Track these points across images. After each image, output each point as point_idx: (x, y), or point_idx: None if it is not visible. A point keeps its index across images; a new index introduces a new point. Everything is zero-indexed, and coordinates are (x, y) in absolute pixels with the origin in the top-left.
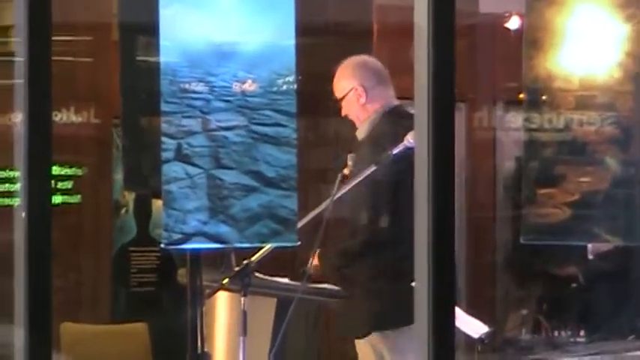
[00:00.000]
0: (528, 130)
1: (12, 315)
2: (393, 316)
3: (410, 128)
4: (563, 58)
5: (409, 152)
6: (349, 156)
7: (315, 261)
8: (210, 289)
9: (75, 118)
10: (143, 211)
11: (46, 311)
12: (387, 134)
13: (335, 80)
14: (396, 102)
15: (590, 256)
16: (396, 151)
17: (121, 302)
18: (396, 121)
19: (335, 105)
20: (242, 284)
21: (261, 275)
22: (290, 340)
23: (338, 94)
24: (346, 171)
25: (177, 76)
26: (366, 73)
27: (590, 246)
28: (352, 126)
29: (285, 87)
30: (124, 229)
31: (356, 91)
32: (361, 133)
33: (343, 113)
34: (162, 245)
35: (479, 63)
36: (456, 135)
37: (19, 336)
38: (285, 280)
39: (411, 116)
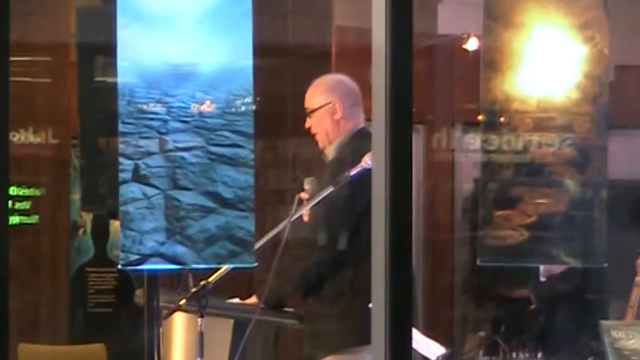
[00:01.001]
0: (486, 151)
1: None
2: (354, 335)
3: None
4: (521, 79)
5: (367, 173)
6: (306, 180)
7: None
8: (167, 309)
9: (33, 139)
10: (101, 232)
11: (2, 332)
12: (355, 156)
13: (311, 91)
14: (364, 123)
15: (542, 278)
16: (353, 172)
17: (78, 323)
18: (364, 143)
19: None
20: (199, 305)
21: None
22: None
23: (310, 105)
24: (304, 195)
25: (135, 97)
26: (346, 91)
27: (542, 268)
28: (312, 145)
29: (242, 108)
30: (82, 249)
31: (332, 106)
32: (330, 154)
33: (312, 128)
34: (119, 266)
35: (437, 84)
36: (415, 156)
37: None
38: (242, 302)
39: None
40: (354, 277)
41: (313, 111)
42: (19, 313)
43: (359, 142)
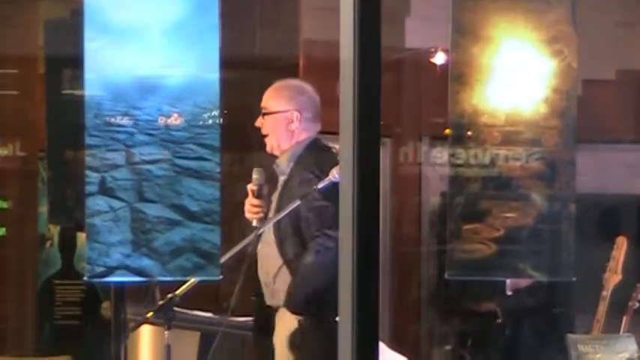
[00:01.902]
0: (454, 165)
1: None
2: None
3: (331, 162)
4: (489, 93)
5: (334, 187)
6: (255, 170)
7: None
8: (134, 322)
9: (0, 151)
10: (68, 245)
11: None
12: (313, 168)
13: (271, 93)
14: (318, 135)
15: (509, 292)
16: (321, 185)
17: (45, 335)
18: (319, 155)
19: (260, 139)
20: (166, 318)
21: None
22: None
23: (267, 107)
24: (251, 186)
25: (102, 110)
26: (307, 103)
27: (508, 282)
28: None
29: (209, 121)
30: (49, 262)
31: (290, 115)
32: (283, 164)
33: (263, 129)
34: (85, 278)
35: (404, 98)
36: (382, 170)
37: None
38: (209, 314)
39: (329, 149)
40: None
41: (269, 114)
42: None
43: (314, 154)
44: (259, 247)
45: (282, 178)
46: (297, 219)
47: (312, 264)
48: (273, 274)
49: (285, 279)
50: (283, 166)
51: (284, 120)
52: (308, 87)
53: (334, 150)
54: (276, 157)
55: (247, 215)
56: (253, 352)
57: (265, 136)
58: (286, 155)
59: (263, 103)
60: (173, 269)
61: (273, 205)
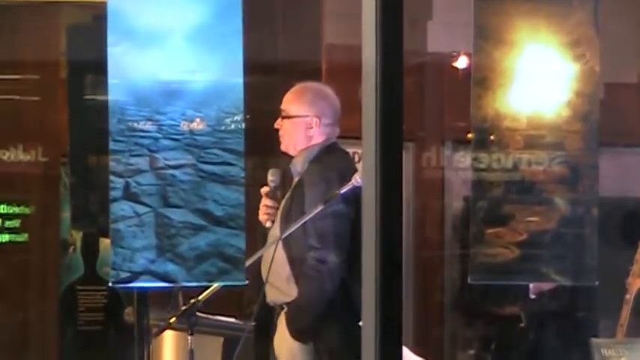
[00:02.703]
0: (477, 169)
1: None
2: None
3: (346, 165)
4: (511, 97)
5: (357, 191)
6: (270, 171)
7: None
8: (157, 327)
9: (23, 157)
10: (90, 250)
11: None
12: (328, 172)
13: (292, 96)
14: (335, 139)
15: (532, 296)
16: (343, 190)
17: (68, 341)
18: (333, 159)
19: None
20: (189, 323)
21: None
22: None
23: (287, 110)
24: (265, 188)
25: (126, 115)
26: (327, 109)
27: (531, 285)
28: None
29: (233, 125)
30: (72, 267)
31: (309, 120)
32: (298, 165)
33: (281, 130)
34: (110, 284)
35: (427, 102)
36: (405, 174)
37: None
38: (232, 320)
39: (345, 153)
40: (345, 295)
41: (288, 117)
42: (9, 331)
43: (328, 158)
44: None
45: (295, 179)
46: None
47: (307, 293)
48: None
49: (282, 278)
50: (298, 166)
51: (303, 124)
52: (329, 91)
53: (350, 154)
54: (291, 157)
55: (260, 217)
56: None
57: (281, 137)
58: (302, 155)
59: (283, 106)
60: (198, 274)
61: (282, 205)
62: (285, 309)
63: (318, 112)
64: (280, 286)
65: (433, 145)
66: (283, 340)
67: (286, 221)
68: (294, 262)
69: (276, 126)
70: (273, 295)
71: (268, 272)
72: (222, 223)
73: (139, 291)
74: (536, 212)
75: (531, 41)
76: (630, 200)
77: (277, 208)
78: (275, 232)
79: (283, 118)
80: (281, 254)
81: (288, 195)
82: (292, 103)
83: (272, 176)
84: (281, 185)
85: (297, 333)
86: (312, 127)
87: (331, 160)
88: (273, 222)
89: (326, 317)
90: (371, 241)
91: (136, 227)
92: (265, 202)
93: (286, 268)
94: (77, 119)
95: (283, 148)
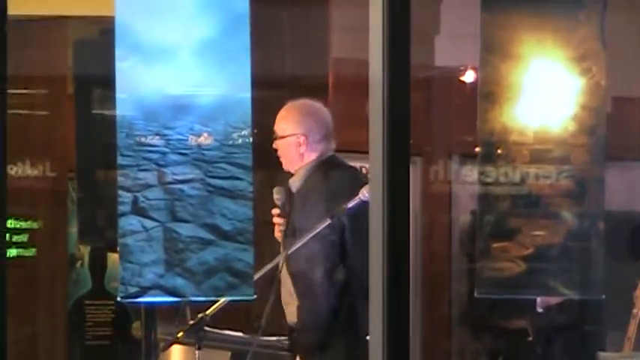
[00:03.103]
0: (484, 183)
1: None
2: None
3: (346, 179)
4: (518, 111)
5: (364, 206)
6: (275, 189)
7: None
8: (165, 342)
9: (30, 172)
10: (98, 265)
11: None
12: (323, 187)
13: (279, 117)
14: (332, 152)
15: (540, 310)
16: (350, 205)
17: (76, 356)
18: (327, 174)
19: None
20: (197, 337)
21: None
22: None
23: (278, 131)
24: (275, 211)
25: (134, 130)
26: (314, 125)
27: (539, 299)
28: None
29: (240, 140)
30: (79, 282)
31: (297, 138)
32: (295, 183)
33: (277, 151)
34: (118, 298)
35: (434, 116)
36: (412, 188)
37: None
38: (239, 334)
39: (345, 166)
40: (352, 310)
41: (279, 137)
42: (17, 345)
43: (324, 173)
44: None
45: (296, 197)
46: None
47: (313, 311)
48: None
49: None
50: (295, 184)
51: (293, 143)
52: (317, 106)
53: (352, 167)
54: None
55: (275, 235)
56: None
57: (280, 157)
58: (298, 174)
59: (275, 126)
60: (207, 289)
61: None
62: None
63: (305, 129)
64: (292, 305)
65: (440, 159)
66: None
67: (285, 238)
68: (297, 279)
69: (274, 147)
70: (290, 317)
71: (286, 292)
72: (231, 237)
73: (147, 305)
74: (542, 226)
75: (538, 55)
76: (637, 214)
77: (284, 225)
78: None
79: (275, 139)
80: (285, 272)
81: (292, 212)
82: (280, 122)
83: (277, 194)
84: (288, 202)
85: (302, 352)
86: (300, 145)
87: (327, 175)
88: (283, 238)
89: (331, 334)
90: (378, 254)
91: (144, 242)
92: (276, 220)
93: (290, 286)
94: (85, 134)
95: (284, 167)
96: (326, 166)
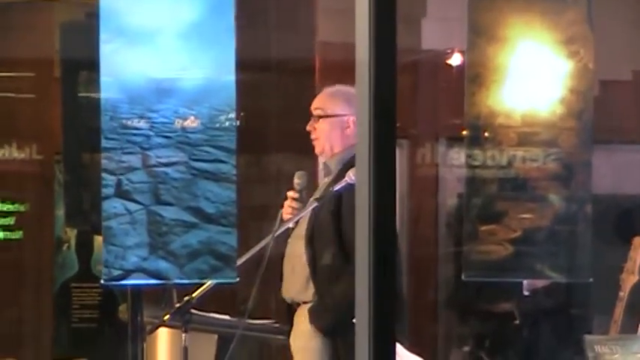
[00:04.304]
0: (471, 166)
1: None
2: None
3: None
4: (505, 94)
5: (350, 189)
6: (297, 174)
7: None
8: (151, 325)
9: (17, 155)
10: (85, 248)
11: None
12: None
13: (326, 96)
14: None
15: (526, 293)
16: (337, 187)
17: (62, 338)
18: None
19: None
20: (183, 320)
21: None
22: None
23: (323, 110)
24: (292, 193)
25: (118, 113)
26: None
27: (525, 282)
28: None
29: (225, 123)
30: (66, 265)
31: (347, 119)
32: (332, 165)
33: (315, 132)
34: (102, 281)
35: (421, 100)
36: (399, 172)
37: None
38: (226, 317)
39: None
40: (338, 293)
41: (324, 117)
42: (3, 328)
43: None
44: (290, 240)
45: (326, 180)
46: (338, 221)
47: (346, 290)
48: (292, 268)
49: (303, 275)
50: (332, 167)
51: (339, 124)
52: None
53: None
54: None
55: (284, 215)
56: (271, 354)
57: (316, 139)
58: (337, 157)
59: (317, 106)
60: (190, 272)
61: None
62: (308, 306)
63: (355, 111)
64: (300, 284)
65: (427, 143)
66: (301, 336)
67: (316, 222)
68: (316, 263)
69: (308, 128)
70: (292, 292)
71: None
72: (214, 220)
73: (133, 288)
74: (530, 209)
75: (525, 38)
76: (624, 197)
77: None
78: (300, 231)
79: (319, 118)
80: (301, 253)
81: (318, 195)
82: (326, 102)
83: (298, 179)
84: (307, 187)
85: (322, 329)
86: (349, 127)
87: None
88: (297, 223)
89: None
90: (364, 238)
91: (128, 225)
92: (292, 204)
93: (306, 269)
94: (71, 117)
95: (318, 151)
96: None
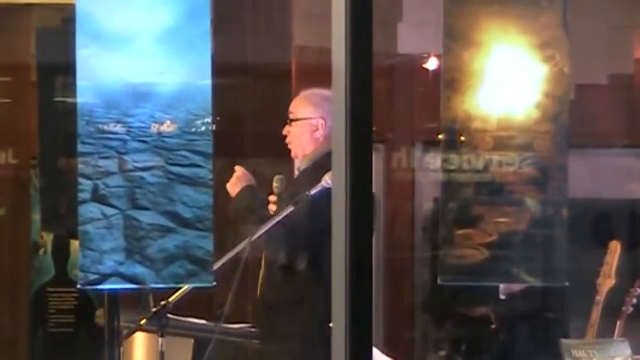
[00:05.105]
0: (447, 170)
1: None
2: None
3: None
4: (481, 98)
5: (327, 193)
6: (275, 177)
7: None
8: (128, 329)
9: None
10: (61, 252)
11: None
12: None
13: (298, 100)
14: None
15: (503, 297)
16: (313, 191)
17: (39, 343)
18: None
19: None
20: (159, 325)
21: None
22: None
23: (294, 114)
24: (272, 197)
25: (94, 117)
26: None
27: (501, 286)
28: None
29: (202, 128)
30: (42, 269)
31: (315, 122)
32: (303, 164)
33: (289, 136)
34: (78, 285)
35: (397, 104)
36: (375, 176)
37: None
38: (202, 321)
39: None
40: (313, 297)
41: (295, 120)
42: None
43: (328, 163)
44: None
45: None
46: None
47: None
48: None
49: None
50: (302, 165)
51: (308, 127)
52: None
53: None
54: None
55: None
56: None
57: (290, 143)
58: (306, 159)
59: (290, 110)
60: (166, 276)
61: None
62: None
63: (323, 113)
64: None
65: (403, 147)
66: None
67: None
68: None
69: (284, 132)
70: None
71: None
72: (191, 225)
73: (110, 293)
74: (505, 213)
75: (500, 42)
76: (600, 202)
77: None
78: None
79: (291, 122)
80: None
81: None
82: (298, 106)
83: (277, 183)
84: (285, 190)
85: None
86: (317, 129)
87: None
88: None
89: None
90: (341, 242)
91: (104, 229)
92: (272, 207)
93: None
94: (47, 121)
95: (293, 154)
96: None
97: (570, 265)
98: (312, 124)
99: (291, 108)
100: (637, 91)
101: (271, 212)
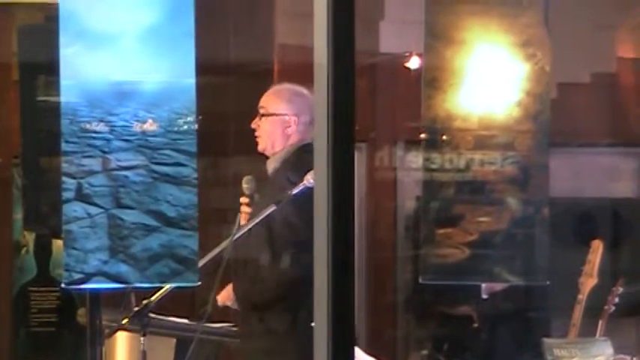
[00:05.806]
0: (428, 170)
1: None
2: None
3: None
4: (462, 97)
5: (309, 192)
6: (245, 178)
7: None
8: (109, 328)
9: None
10: (43, 251)
11: None
12: (294, 172)
13: (271, 95)
14: (311, 139)
15: (484, 296)
16: (295, 191)
17: (21, 342)
18: (305, 159)
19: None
20: (141, 324)
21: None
22: None
23: (266, 108)
24: (244, 199)
25: (78, 116)
26: (305, 107)
27: (483, 286)
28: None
29: (185, 126)
30: (24, 269)
31: (287, 118)
32: (271, 165)
33: (258, 130)
34: (62, 285)
35: (379, 103)
36: (357, 175)
37: None
38: (184, 320)
39: None
40: (295, 297)
41: (267, 115)
42: None
43: (302, 158)
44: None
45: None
46: (270, 229)
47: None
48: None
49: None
50: (271, 167)
51: (280, 123)
52: (306, 91)
53: None
54: (266, 157)
55: (242, 223)
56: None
57: (258, 137)
58: (277, 157)
59: (261, 104)
60: (151, 275)
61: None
62: None
63: (296, 109)
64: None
65: (385, 146)
66: None
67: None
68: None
69: (253, 125)
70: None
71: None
72: (175, 224)
73: (92, 292)
74: (487, 212)
75: (482, 41)
76: (582, 201)
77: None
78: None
79: (261, 116)
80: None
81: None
82: (270, 101)
83: (246, 184)
84: (256, 191)
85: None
86: (290, 125)
87: (303, 161)
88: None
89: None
90: (322, 241)
91: (88, 228)
92: (245, 209)
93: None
94: (30, 120)
95: (260, 148)
96: (303, 152)
97: (553, 265)
98: (284, 120)
99: (263, 102)
100: (619, 90)
101: (245, 214)
